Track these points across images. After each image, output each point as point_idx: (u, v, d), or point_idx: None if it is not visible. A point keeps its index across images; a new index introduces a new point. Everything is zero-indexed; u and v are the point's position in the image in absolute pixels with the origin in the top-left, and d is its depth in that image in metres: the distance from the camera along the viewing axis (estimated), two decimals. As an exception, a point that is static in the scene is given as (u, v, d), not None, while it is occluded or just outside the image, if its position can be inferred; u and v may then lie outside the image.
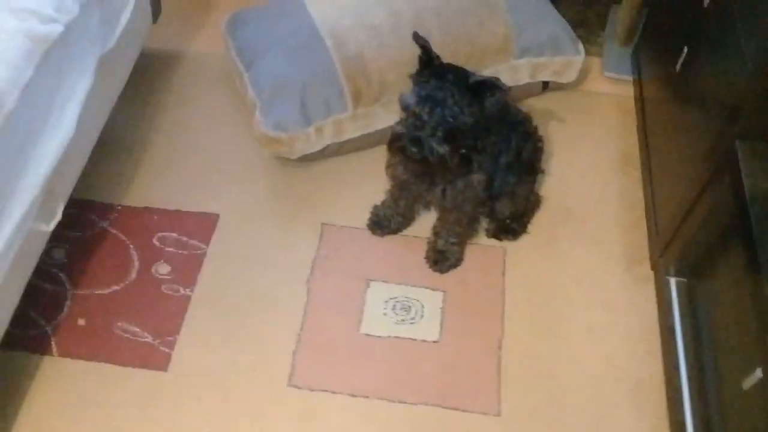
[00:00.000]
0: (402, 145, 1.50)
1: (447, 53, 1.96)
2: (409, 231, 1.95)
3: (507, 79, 2.10)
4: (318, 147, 1.98)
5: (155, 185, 2.02)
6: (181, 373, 1.68)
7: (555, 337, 1.77)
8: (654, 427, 1.62)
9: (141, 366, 1.68)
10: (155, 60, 2.34)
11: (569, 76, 2.18)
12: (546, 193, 2.01)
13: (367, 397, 1.65)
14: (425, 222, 1.94)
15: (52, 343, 1.70)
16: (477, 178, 1.68)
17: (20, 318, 1.66)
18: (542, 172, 1.97)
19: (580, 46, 2.17)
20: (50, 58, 1.56)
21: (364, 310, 1.80)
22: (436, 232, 1.87)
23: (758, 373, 1.28)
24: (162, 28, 2.29)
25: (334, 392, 1.66)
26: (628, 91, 2.31)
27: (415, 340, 1.76)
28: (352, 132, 2.00)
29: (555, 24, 2.14)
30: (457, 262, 1.88)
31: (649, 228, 1.92)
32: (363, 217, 1.95)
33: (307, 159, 2.02)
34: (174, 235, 1.93)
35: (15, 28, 1.49)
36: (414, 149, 1.49)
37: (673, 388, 1.60)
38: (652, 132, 2.02)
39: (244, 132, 2.14)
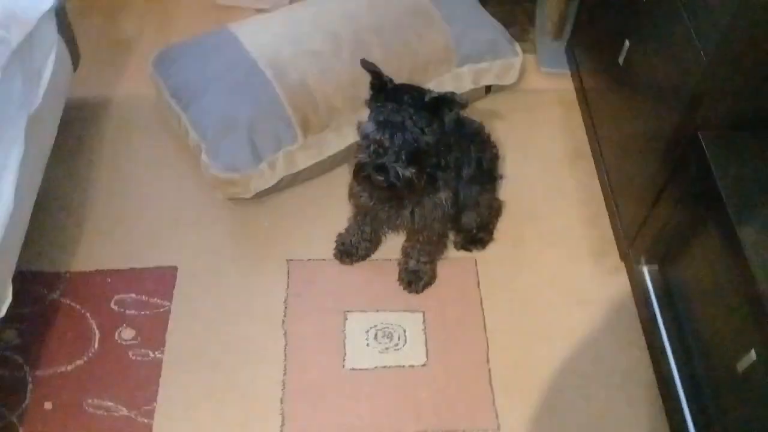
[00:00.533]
0: (367, 174, 1.47)
1: (391, 69, 1.92)
2: (378, 255, 1.91)
3: (451, 87, 2.10)
4: (272, 182, 1.91)
5: (103, 245, 1.90)
6: (166, 443, 1.58)
7: (539, 341, 1.77)
8: (651, 419, 1.64)
9: (121, 442, 1.58)
10: (81, 110, 2.20)
11: (511, 78, 2.19)
12: (506, 197, 2.01)
13: (366, 434, 1.61)
14: (393, 243, 1.91)
15: (20, 433, 1.58)
16: (444, 195, 1.65)
17: (-20, 413, 1.54)
18: (501, 177, 1.97)
19: (517, 47, 2.18)
20: (-22, 131, 1.44)
21: (346, 344, 1.75)
22: (406, 253, 1.84)
23: (752, 354, 1.31)
24: (82, 75, 2.16)
25: (331, 436, 1.60)
26: (566, 84, 2.34)
27: (403, 366, 1.72)
28: (304, 161, 1.94)
29: (491, 28, 2.15)
30: (431, 280, 1.85)
31: (611, 220, 1.95)
32: (329, 247, 1.90)
33: (261, 195, 1.95)
34: (132, 295, 1.82)
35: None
36: (380, 177, 1.46)
37: (663, 377, 1.63)
38: (600, 124, 2.05)
39: (189, 175, 2.04)
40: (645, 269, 1.76)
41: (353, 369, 1.71)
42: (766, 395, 1.27)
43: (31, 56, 1.72)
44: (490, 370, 1.71)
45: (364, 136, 1.49)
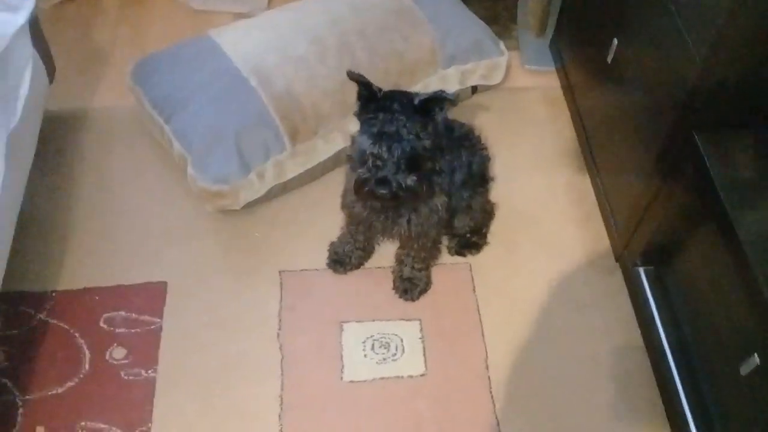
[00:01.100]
0: (370, 189, 1.44)
1: (378, 73, 1.92)
2: (372, 263, 1.88)
3: (438, 89, 2.06)
4: (262, 192, 1.87)
5: (89, 262, 1.85)
6: (164, 466, 1.55)
7: (537, 345, 1.76)
8: (652, 423, 1.63)
9: (118, 466, 1.54)
10: (59, 123, 2.14)
11: (497, 78, 2.17)
12: (497, 200, 1.99)
13: (367, 448, 1.59)
14: (386, 250, 1.88)
15: (12, 462, 1.54)
16: (440, 201, 1.63)
17: (-30, 443, 1.49)
18: (492, 180, 1.95)
19: (502, 46, 2.16)
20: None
21: (343, 356, 1.72)
22: (400, 260, 1.81)
23: (755, 358, 1.31)
24: (58, 87, 2.09)
25: (331, 451, 1.58)
26: (551, 81, 2.32)
27: (402, 377, 1.70)
28: (294, 170, 1.90)
29: (475, 28, 2.12)
30: (426, 287, 1.83)
31: (605, 220, 1.94)
32: (321, 256, 1.87)
33: (251, 205, 1.91)
34: (122, 313, 1.77)
35: None
36: (384, 191, 1.44)
37: (663, 380, 1.63)
38: (589, 122, 2.04)
39: (175, 186, 1.99)
40: (641, 270, 1.76)
41: (352, 381, 1.69)
42: (771, 399, 1.27)
43: (6, 72, 1.66)
44: (489, 378, 1.70)
45: (361, 152, 1.46)
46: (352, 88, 1.50)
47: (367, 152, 1.43)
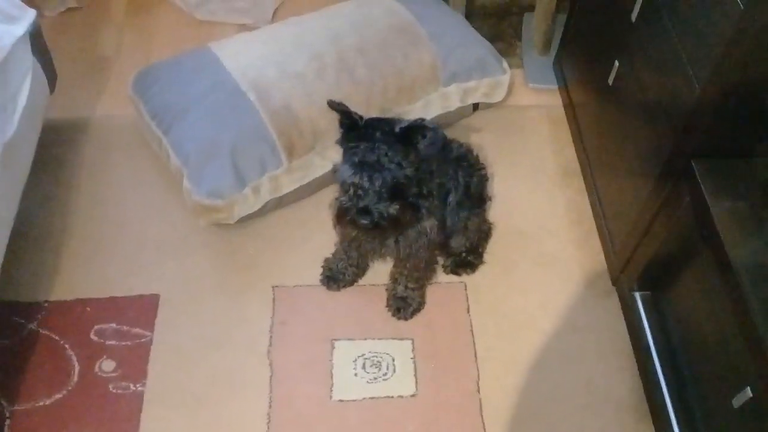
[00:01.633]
0: (352, 218, 1.44)
1: (377, 91, 1.91)
2: (366, 280, 1.87)
3: (438, 107, 2.06)
4: (257, 207, 1.86)
5: (83, 273, 1.84)
6: (148, 482, 1.54)
7: (530, 368, 1.73)
8: (645, 448, 1.61)
9: (102, 481, 1.53)
10: (59, 132, 2.14)
11: (498, 96, 2.15)
12: (495, 219, 1.97)
13: (354, 469, 1.57)
14: (381, 268, 1.87)
15: (-4, 474, 1.53)
16: (429, 224, 1.61)
17: (-46, 455, 1.48)
18: (489, 199, 1.93)
19: (505, 64, 2.15)
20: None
21: (333, 374, 1.71)
22: (394, 279, 1.80)
23: (748, 391, 1.28)
24: (60, 95, 2.10)
25: (318, 471, 1.56)
26: (554, 100, 2.30)
27: (392, 397, 1.68)
28: (289, 185, 1.89)
29: (478, 46, 2.11)
30: (419, 306, 1.81)
31: (603, 243, 1.92)
32: (315, 272, 1.85)
33: (245, 220, 1.90)
34: (113, 325, 1.76)
35: None
36: (365, 221, 1.43)
37: (656, 407, 1.60)
38: (590, 143, 2.02)
39: (171, 199, 1.99)
40: (637, 295, 1.73)
41: (341, 400, 1.67)
42: (763, 432, 1.24)
43: (5, 82, 1.66)
44: (480, 400, 1.68)
45: (342, 181, 1.45)
46: (349, 105, 1.49)
47: (348, 182, 1.42)
